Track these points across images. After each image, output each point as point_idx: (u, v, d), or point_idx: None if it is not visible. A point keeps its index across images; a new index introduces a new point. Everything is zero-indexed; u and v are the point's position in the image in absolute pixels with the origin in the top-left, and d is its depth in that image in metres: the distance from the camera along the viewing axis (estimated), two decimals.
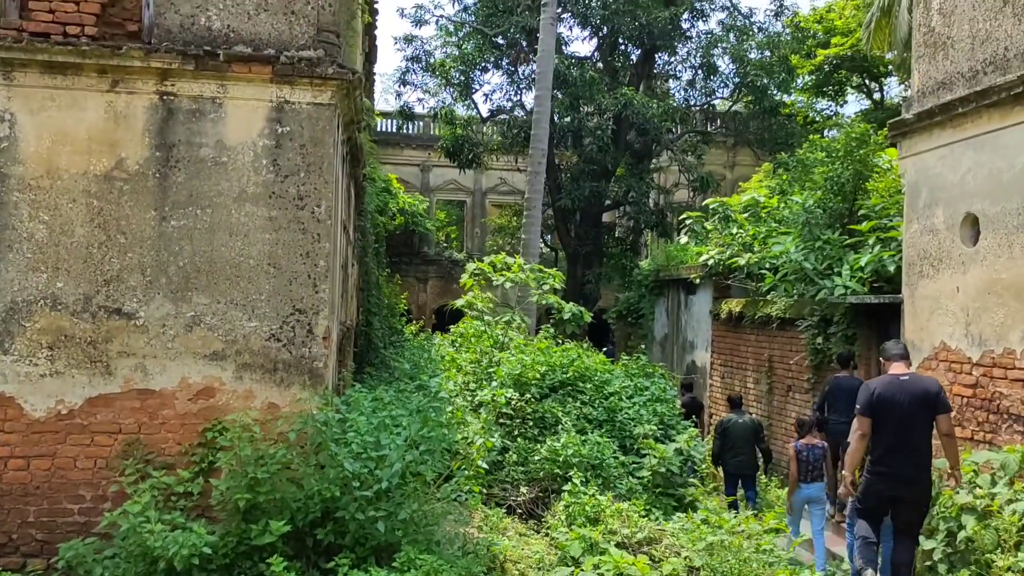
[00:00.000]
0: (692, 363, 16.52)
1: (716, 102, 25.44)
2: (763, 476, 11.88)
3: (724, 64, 22.72)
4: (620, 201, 23.61)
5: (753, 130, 24.41)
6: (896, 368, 6.34)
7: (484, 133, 25.34)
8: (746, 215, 14.08)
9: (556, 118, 23.58)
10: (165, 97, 6.50)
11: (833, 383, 9.82)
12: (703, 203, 16.96)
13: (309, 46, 6.77)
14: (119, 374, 6.39)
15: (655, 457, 9.58)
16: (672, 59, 23.68)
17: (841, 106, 28.21)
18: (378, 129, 42.80)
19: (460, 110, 25.11)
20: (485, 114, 23.90)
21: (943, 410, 6.15)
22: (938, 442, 6.36)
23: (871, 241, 10.38)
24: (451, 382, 11.44)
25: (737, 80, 22.12)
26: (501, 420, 10.90)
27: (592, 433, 10.77)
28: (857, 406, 6.28)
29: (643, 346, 19.41)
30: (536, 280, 11.03)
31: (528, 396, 11.14)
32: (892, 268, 9.81)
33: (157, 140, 6.48)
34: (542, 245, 29.00)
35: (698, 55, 22.32)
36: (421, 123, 40.31)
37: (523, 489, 9.55)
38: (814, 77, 28.06)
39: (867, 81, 26.72)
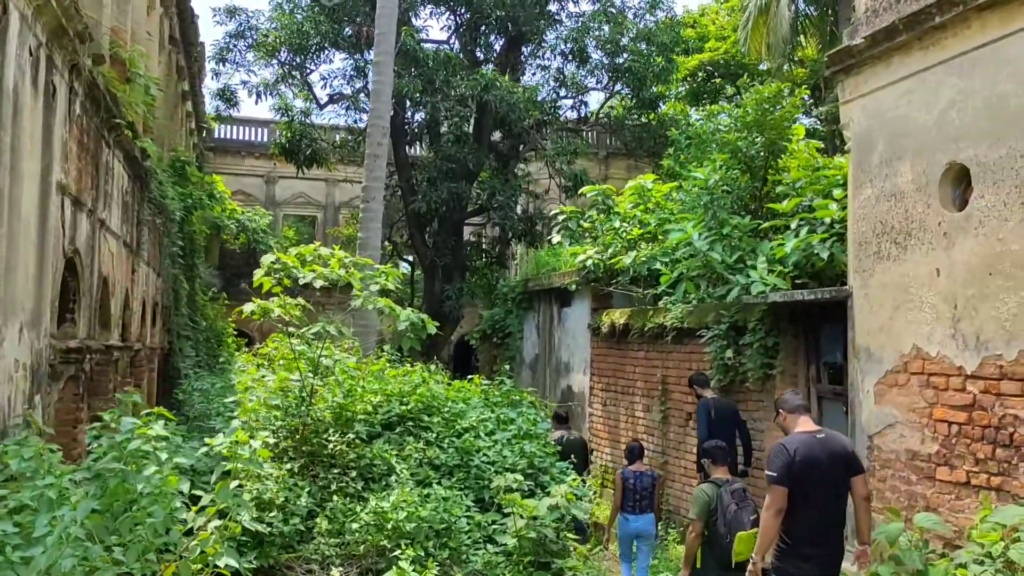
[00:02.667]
0: (568, 388, 14.13)
1: (589, 99, 23.56)
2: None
3: (597, 55, 20.79)
4: (484, 207, 21.19)
5: (630, 130, 22.61)
6: (804, 424, 5.34)
7: (324, 129, 22.45)
8: (631, 207, 11.89)
9: (410, 111, 21.00)
10: None
11: (714, 405, 8.51)
12: (578, 195, 14.70)
13: None
14: None
15: (522, 517, 7.01)
16: (540, 48, 21.56)
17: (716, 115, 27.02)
18: (216, 136, 39.00)
19: (299, 102, 22.11)
20: (324, 101, 20.96)
21: (860, 469, 5.30)
22: None
23: (794, 224, 8.26)
24: (239, 420, 8.52)
25: (610, 69, 20.16)
26: (314, 471, 8.12)
27: (438, 484, 8.15)
28: (770, 473, 5.16)
29: (508, 368, 17.02)
30: (364, 280, 8.29)
31: (350, 437, 8.38)
32: (825, 255, 7.69)
33: None
34: (404, 261, 26.27)
35: (569, 43, 20.28)
36: (265, 130, 36.95)
37: (334, 573, 6.85)
38: (688, 86, 26.79)
39: (742, 91, 25.62)
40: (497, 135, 23.02)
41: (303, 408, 8.37)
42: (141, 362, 13.73)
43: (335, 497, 7.73)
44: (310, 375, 8.51)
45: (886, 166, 6.29)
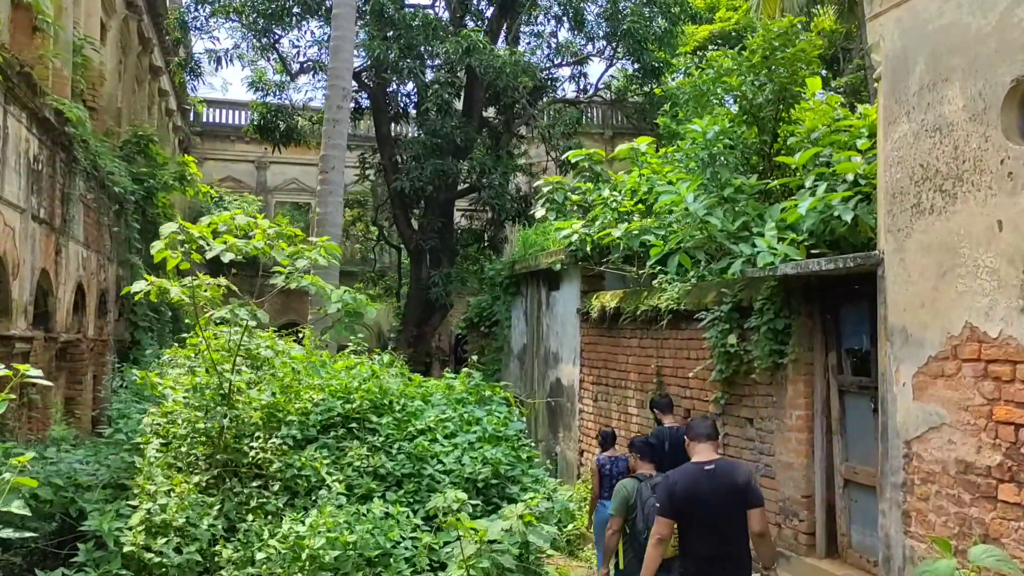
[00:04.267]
0: (557, 381, 12.80)
1: (589, 72, 22.13)
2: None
3: (594, 18, 19.37)
4: (474, 186, 19.86)
5: (633, 104, 21.19)
6: (701, 452, 5.19)
7: (303, 108, 21.18)
8: (623, 174, 10.53)
9: (395, 84, 19.65)
10: None
11: (670, 435, 7.39)
12: (563, 157, 13.30)
13: None
14: None
15: (473, 543, 5.71)
16: (533, 13, 20.13)
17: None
18: (204, 120, 37.78)
19: (273, 75, 20.81)
20: (295, 71, 19.62)
21: (754, 503, 5.07)
22: None
23: (809, 182, 6.89)
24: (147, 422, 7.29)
25: (609, 31, 18.72)
26: (229, 485, 6.86)
27: (380, 499, 6.88)
28: (656, 504, 5.31)
29: (499, 361, 15.72)
30: (293, 255, 6.99)
31: (275, 443, 7.10)
32: (848, 218, 6.33)
33: None
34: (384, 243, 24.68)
35: (563, 4, 18.86)
36: (256, 113, 35.76)
37: None
38: (696, 60, 25.32)
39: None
40: (492, 112, 21.69)
41: (219, 409, 7.08)
42: (80, 356, 12.49)
43: (251, 516, 6.46)
44: (228, 369, 7.23)
45: (928, 92, 4.93)
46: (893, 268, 5.20)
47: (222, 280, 7.21)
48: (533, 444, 11.92)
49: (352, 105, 20.78)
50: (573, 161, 11.41)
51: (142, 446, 6.77)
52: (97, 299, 13.51)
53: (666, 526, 5.06)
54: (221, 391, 7.15)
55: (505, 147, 19.89)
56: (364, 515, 6.28)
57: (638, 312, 9.64)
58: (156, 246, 6.60)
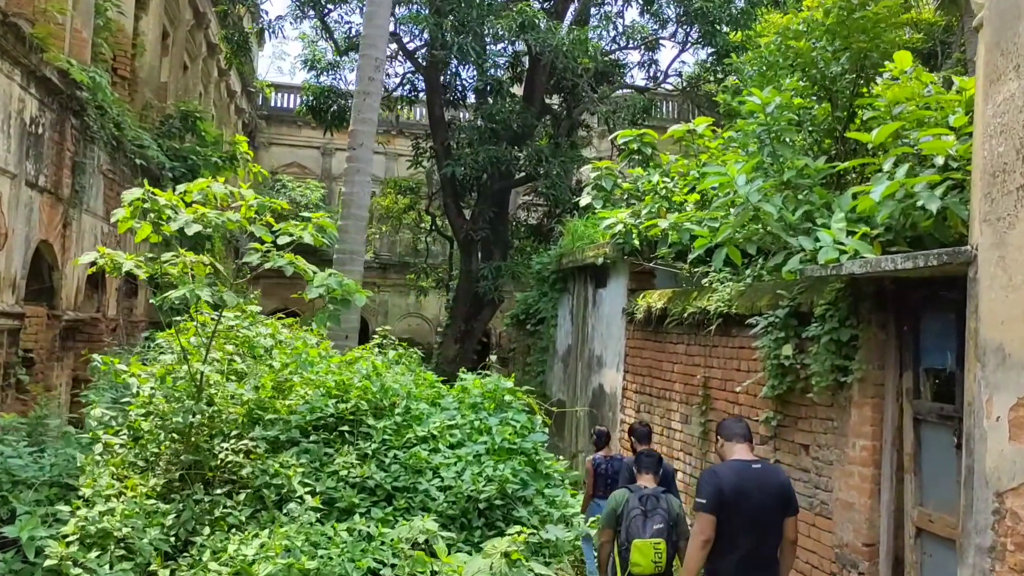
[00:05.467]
0: (599, 388, 11.76)
1: (660, 58, 20.87)
2: None
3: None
4: (531, 175, 18.91)
5: (704, 93, 19.91)
6: (740, 452, 5.01)
7: (350, 86, 20.51)
8: (674, 157, 9.45)
9: (454, 66, 18.82)
10: None
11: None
12: (610, 138, 12.20)
13: None
14: None
15: None
16: None
17: None
18: (272, 104, 37.74)
19: (328, 54, 20.21)
20: (344, 47, 18.94)
21: (795, 510, 4.99)
22: None
23: (886, 166, 5.73)
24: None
25: (679, 11, 17.52)
26: (189, 490, 6.10)
27: (363, 516, 6.04)
28: (699, 499, 4.88)
29: (544, 362, 14.75)
30: (278, 233, 6.16)
31: (247, 444, 6.31)
32: (934, 207, 5.18)
33: None
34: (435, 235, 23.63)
35: None
36: (309, 94, 35.73)
37: None
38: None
39: None
40: (556, 100, 20.73)
41: (188, 403, 6.31)
42: (98, 336, 11.99)
43: (207, 529, 5.66)
44: (200, 358, 6.45)
45: None
46: (989, 268, 4.06)
47: (203, 257, 6.46)
48: (569, 455, 10.94)
49: (407, 88, 20.12)
50: (621, 143, 10.34)
51: (93, 441, 6.04)
52: (123, 277, 13.03)
53: (709, 524, 4.79)
54: (194, 383, 6.37)
55: (564, 134, 18.88)
56: (334, 536, 5.40)
57: (685, 315, 8.56)
58: (117, 214, 5.85)
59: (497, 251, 19.11)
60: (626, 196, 10.71)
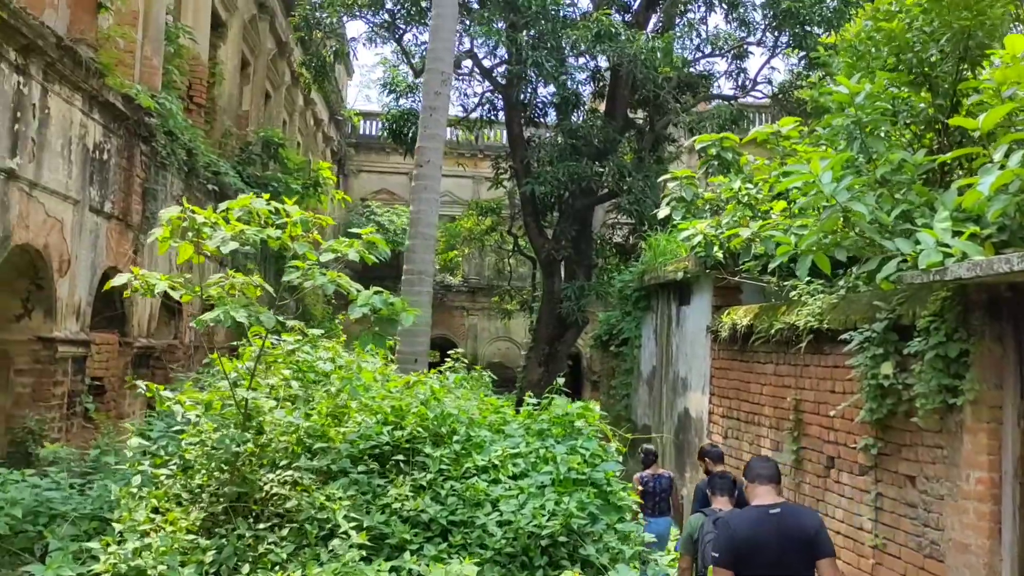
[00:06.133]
0: (685, 412, 11.07)
1: (748, 67, 20.05)
2: None
3: (751, 2, 17.46)
4: (614, 191, 18.36)
5: (794, 99, 19.00)
6: (763, 495, 4.76)
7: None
8: (757, 161, 8.78)
9: (533, 80, 18.47)
10: None
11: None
12: (687, 143, 11.53)
13: None
14: None
15: None
16: (682, 1, 18.42)
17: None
18: (361, 132, 38.39)
19: (408, 76, 20.18)
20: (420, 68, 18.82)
21: (825, 553, 4.61)
22: None
23: (997, 156, 5.00)
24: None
25: (768, 14, 16.73)
26: (233, 524, 5.79)
27: (416, 553, 5.63)
28: (713, 553, 4.77)
29: (628, 385, 14.11)
30: (323, 250, 5.83)
31: (292, 476, 5.98)
32: None
33: None
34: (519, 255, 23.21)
35: None
36: (388, 118, 36.20)
37: None
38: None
39: None
40: (641, 115, 20.17)
41: (233, 431, 6.03)
42: (174, 361, 12.02)
43: (247, 567, 5.32)
44: (246, 385, 6.16)
45: None
46: None
47: (255, 279, 6.19)
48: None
49: (486, 108, 19.89)
50: (700, 148, 9.72)
51: (133, 473, 5.80)
52: (202, 302, 13.08)
53: None
54: (241, 411, 6.08)
55: (648, 149, 18.26)
56: None
57: (772, 331, 7.87)
58: (154, 233, 5.63)
59: (580, 271, 18.57)
60: (708, 207, 10.08)
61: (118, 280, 5.33)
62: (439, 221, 39.01)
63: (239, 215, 5.75)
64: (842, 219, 5.75)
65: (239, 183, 14.26)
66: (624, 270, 15.69)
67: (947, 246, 4.99)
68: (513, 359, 31.80)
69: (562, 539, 5.87)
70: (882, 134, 6.05)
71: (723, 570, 4.63)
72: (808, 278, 7.82)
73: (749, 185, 8.46)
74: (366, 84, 76.56)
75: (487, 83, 18.96)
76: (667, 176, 9.95)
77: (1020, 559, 4.91)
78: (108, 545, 4.96)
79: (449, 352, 10.50)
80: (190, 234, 5.62)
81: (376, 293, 5.71)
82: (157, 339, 11.11)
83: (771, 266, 7.00)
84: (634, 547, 6.20)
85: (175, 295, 5.43)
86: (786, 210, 7.90)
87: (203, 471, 6.13)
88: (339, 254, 5.78)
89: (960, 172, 6.00)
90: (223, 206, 5.95)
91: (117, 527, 5.20)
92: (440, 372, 8.18)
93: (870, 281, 6.83)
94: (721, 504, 5.96)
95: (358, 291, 5.69)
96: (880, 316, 5.93)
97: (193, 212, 5.65)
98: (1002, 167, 4.86)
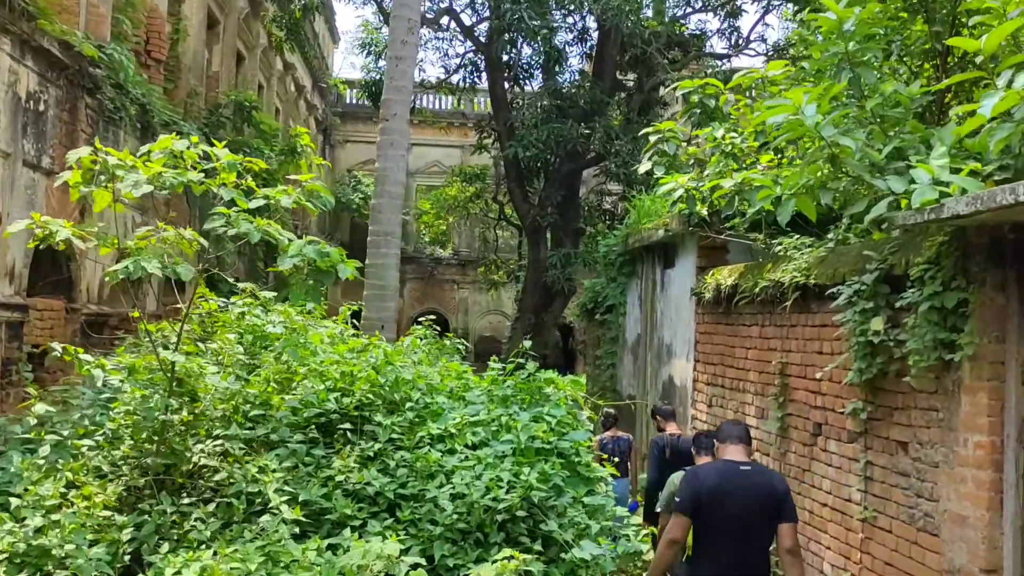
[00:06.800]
0: (669, 380, 10.58)
1: (740, 23, 19.42)
2: None
3: None
4: (601, 155, 17.77)
5: (789, 57, 18.36)
6: (733, 453, 4.87)
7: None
8: (739, 105, 8.22)
9: (520, 42, 17.82)
10: None
11: (672, 443, 7.77)
12: (669, 88, 10.91)
13: None
14: None
15: None
16: None
17: None
18: (347, 102, 37.69)
19: (384, 34, 19.49)
20: None
21: (790, 518, 4.68)
22: None
23: (1000, 81, 4.45)
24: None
25: None
26: (156, 499, 5.31)
27: (354, 531, 5.16)
28: (676, 498, 4.91)
29: (614, 354, 13.60)
30: (255, 196, 5.29)
31: (221, 446, 5.48)
32: None
33: None
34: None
35: None
36: (365, 81, 35.49)
37: None
38: None
39: None
40: (632, 78, 19.54)
41: (159, 397, 5.53)
42: (131, 331, 11.47)
43: (166, 545, 4.84)
44: (172, 346, 5.64)
45: None
46: None
47: (188, 232, 5.66)
48: (640, 456, 9.85)
49: (468, 70, 19.25)
50: (681, 94, 9.14)
51: (35, 444, 5.28)
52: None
53: (681, 526, 4.74)
54: (167, 375, 5.57)
55: (637, 110, 17.66)
56: (301, 557, 4.48)
57: (756, 290, 7.35)
58: (62, 177, 5.08)
59: (567, 238, 18.04)
60: (693, 162, 9.51)
61: (14, 227, 4.78)
62: (429, 193, 38.31)
63: (159, 157, 5.19)
64: (830, 161, 5.22)
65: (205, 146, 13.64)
66: (609, 235, 15.14)
67: (944, 184, 4.46)
68: (505, 332, 31.37)
69: (520, 513, 5.39)
70: (874, 63, 5.49)
71: (681, 516, 4.71)
72: (796, 235, 7.33)
73: (733, 134, 7.89)
74: (352, 51, 75.62)
75: (469, 43, 18.32)
76: (649, 129, 9.37)
77: (1023, 531, 4.42)
78: (3, 523, 4.46)
79: (419, 319, 9.99)
80: (102, 178, 5.07)
81: (310, 243, 5.17)
82: (112, 307, 10.56)
83: (749, 213, 6.44)
84: (602, 522, 5.72)
85: (81, 245, 4.88)
86: (772, 161, 7.37)
87: (130, 442, 5.64)
88: (271, 200, 5.24)
89: (959, 105, 5.44)
90: (144, 148, 5.40)
91: (15, 503, 4.69)
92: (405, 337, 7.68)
93: (863, 233, 6.32)
94: (705, 462, 5.74)
95: (289, 240, 5.15)
96: (870, 267, 5.40)
97: (107, 154, 5.10)
98: (1009, 86, 4.32)
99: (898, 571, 5.25)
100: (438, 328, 9.48)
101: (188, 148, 5.26)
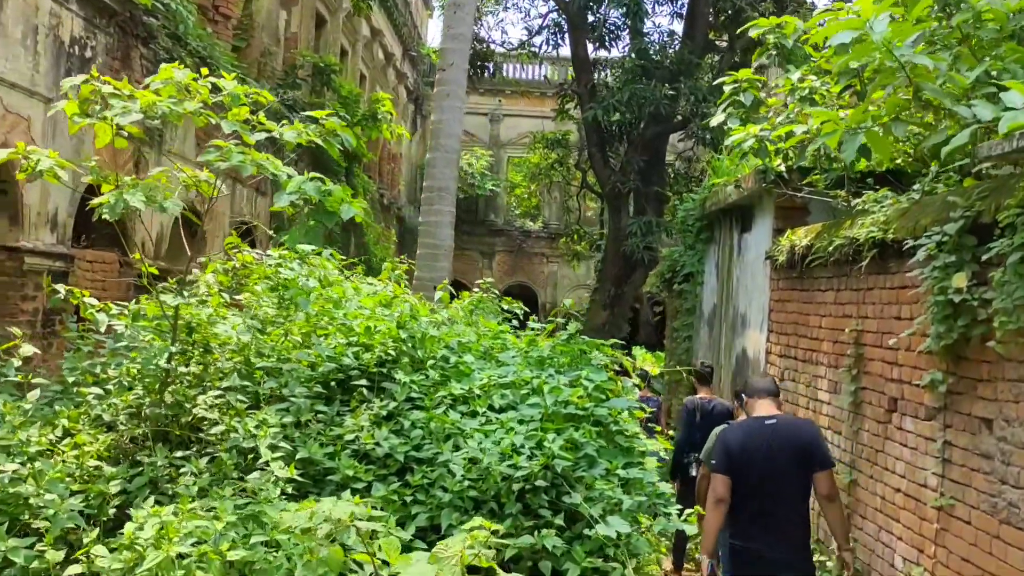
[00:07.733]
0: (743, 352, 9.83)
1: None
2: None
3: None
4: (687, 118, 16.92)
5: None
6: (762, 408, 5.13)
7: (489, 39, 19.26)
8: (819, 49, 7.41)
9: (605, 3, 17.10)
10: None
11: (702, 406, 7.94)
12: (739, 30, 10.04)
13: None
14: None
15: None
16: None
17: None
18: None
19: None
20: None
21: (823, 465, 4.91)
22: None
23: None
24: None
25: None
26: (149, 452, 5.06)
27: (355, 494, 4.74)
28: (712, 461, 5.14)
29: (690, 326, 12.87)
30: (257, 129, 4.92)
31: (221, 400, 5.17)
32: None
33: None
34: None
35: None
36: (491, 64, 34.92)
37: None
38: None
39: None
40: (725, 38, 18.56)
41: (159, 345, 5.26)
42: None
43: (152, 499, 4.54)
44: (173, 294, 5.33)
45: None
46: None
47: (204, 174, 5.36)
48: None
49: (550, 30, 18.61)
50: (757, 39, 8.33)
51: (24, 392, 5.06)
52: (227, 231, 12.45)
53: (723, 484, 4.87)
54: (171, 322, 5.29)
55: (726, 70, 16.68)
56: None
57: (831, 250, 6.58)
58: (57, 106, 4.81)
59: (649, 206, 17.27)
60: (771, 113, 8.70)
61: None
62: (516, 160, 37.81)
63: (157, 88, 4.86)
64: (910, 90, 4.47)
65: (277, 106, 13.50)
66: (687, 198, 14.37)
67: None
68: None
69: (542, 484, 4.88)
70: None
71: (722, 477, 4.86)
72: (879, 187, 6.54)
73: (812, 77, 7.10)
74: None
75: (551, 2, 17.68)
76: (724, 79, 8.62)
77: None
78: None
79: (478, 283, 9.53)
80: (96, 107, 4.77)
81: (312, 179, 4.75)
82: (170, 264, 10.49)
83: (810, 149, 5.71)
84: (637, 498, 5.14)
85: (63, 176, 4.59)
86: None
87: (137, 391, 5.39)
88: (273, 134, 4.86)
89: None
90: (147, 80, 5.09)
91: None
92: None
93: (956, 183, 5.52)
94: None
95: (289, 176, 4.74)
96: (954, 215, 4.63)
97: (105, 82, 4.79)
98: None
99: (977, 568, 4.52)
100: (492, 290, 9.03)
101: (196, 81, 4.90)
